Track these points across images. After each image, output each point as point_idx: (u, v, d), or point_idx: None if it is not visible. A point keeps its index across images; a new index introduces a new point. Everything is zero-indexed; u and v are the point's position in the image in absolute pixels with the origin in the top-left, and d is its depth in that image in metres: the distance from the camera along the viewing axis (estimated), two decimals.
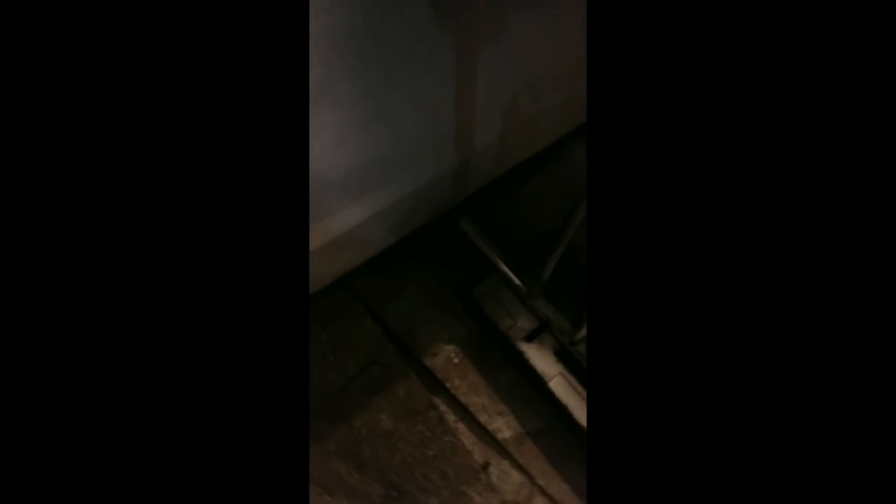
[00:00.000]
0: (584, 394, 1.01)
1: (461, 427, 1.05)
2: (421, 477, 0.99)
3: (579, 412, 0.99)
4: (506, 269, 1.09)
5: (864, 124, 0.31)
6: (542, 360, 1.04)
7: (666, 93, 0.33)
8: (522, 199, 1.30)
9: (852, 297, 0.31)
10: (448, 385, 1.07)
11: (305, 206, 0.67)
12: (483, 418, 1.05)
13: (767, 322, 0.33)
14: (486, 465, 1.01)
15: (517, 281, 1.08)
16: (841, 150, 0.31)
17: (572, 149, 1.32)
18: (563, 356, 1.05)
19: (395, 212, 1.01)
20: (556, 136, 1.25)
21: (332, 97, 0.68)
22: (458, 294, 1.17)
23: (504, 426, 1.05)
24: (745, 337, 0.33)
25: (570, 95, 1.09)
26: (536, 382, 1.04)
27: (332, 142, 0.73)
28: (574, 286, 1.02)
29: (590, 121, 0.37)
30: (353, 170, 0.82)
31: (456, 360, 1.10)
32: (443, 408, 1.06)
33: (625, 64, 0.34)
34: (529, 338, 1.07)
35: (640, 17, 0.33)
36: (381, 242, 1.11)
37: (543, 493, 0.99)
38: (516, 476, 1.01)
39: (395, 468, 0.99)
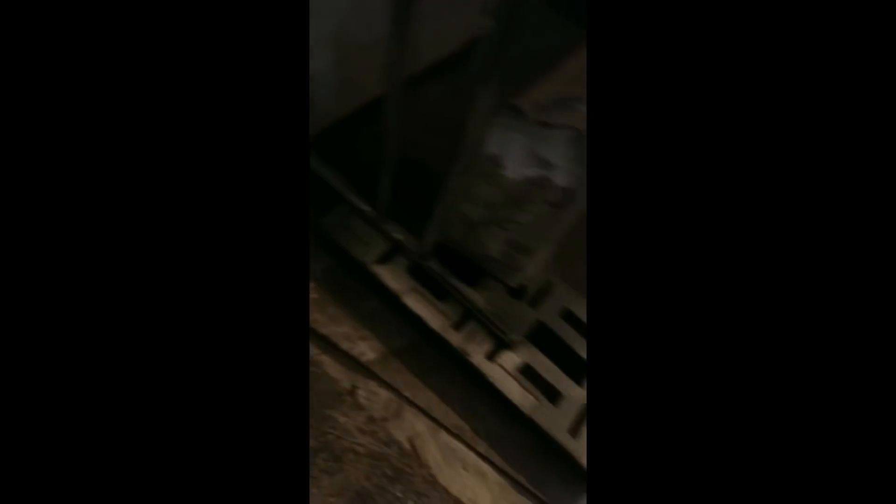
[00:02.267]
0: (439, 305, 1.04)
1: (325, 359, 1.04)
2: None
3: (434, 322, 1.02)
4: (350, 195, 1.09)
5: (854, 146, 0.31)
6: (394, 279, 1.06)
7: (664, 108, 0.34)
8: (371, 135, 1.29)
9: (849, 301, 0.31)
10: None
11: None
12: (346, 345, 1.05)
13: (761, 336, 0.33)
14: (352, 390, 1.02)
15: (364, 206, 1.08)
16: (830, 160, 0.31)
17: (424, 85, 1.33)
18: (416, 273, 1.07)
19: None
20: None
21: None
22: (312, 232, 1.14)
23: (368, 349, 1.05)
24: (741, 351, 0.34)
25: None
26: (394, 302, 1.06)
27: None
28: (418, 205, 1.03)
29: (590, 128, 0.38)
30: None
31: (315, 296, 1.09)
32: None
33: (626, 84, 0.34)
34: (383, 261, 1.08)
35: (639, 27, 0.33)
36: None
37: (411, 403, 1.01)
38: (384, 394, 1.02)
39: None
